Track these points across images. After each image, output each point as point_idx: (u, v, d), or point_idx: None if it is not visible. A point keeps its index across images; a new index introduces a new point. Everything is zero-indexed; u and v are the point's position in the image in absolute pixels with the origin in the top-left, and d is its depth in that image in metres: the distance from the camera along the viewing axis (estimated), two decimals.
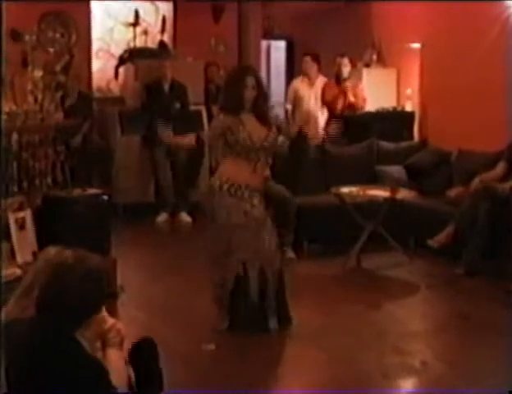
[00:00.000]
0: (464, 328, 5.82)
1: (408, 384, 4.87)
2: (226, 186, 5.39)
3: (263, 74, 13.06)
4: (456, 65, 9.01)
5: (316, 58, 9.87)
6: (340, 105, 9.55)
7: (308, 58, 9.87)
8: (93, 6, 10.76)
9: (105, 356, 2.94)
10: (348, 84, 9.62)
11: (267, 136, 5.46)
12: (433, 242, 7.23)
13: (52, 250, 2.93)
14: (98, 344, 3.00)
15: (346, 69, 9.66)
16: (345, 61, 9.69)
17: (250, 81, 5.41)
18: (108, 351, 2.97)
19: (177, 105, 9.56)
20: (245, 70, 5.71)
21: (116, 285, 6.21)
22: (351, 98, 9.60)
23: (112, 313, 5.27)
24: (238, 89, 5.39)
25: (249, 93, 5.40)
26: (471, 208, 7.13)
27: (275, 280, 5.53)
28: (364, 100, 9.75)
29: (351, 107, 9.63)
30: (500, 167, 7.26)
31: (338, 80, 9.63)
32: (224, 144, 5.42)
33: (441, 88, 9.40)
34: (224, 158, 5.49)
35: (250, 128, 5.41)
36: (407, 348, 5.29)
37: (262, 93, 5.54)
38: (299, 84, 10.00)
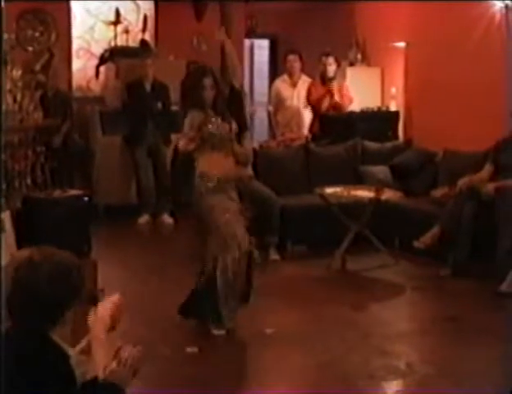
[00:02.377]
0: (449, 330, 5.84)
1: (393, 386, 4.88)
2: (207, 183, 5.61)
3: (246, 73, 13.07)
4: (441, 64, 9.05)
5: (299, 57, 9.88)
6: (325, 105, 9.55)
7: (291, 57, 9.87)
8: (73, 4, 10.71)
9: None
10: (334, 83, 9.62)
11: (231, 129, 5.76)
12: (419, 243, 7.25)
13: (21, 252, 2.91)
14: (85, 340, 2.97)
15: (332, 68, 9.64)
16: (331, 60, 9.68)
17: (208, 82, 5.69)
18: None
19: (159, 105, 9.56)
20: (202, 71, 5.88)
21: (96, 288, 6.19)
22: (337, 98, 9.61)
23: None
24: (197, 91, 5.69)
25: (208, 94, 5.69)
26: (456, 208, 7.16)
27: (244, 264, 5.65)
28: (351, 100, 9.76)
29: (337, 107, 9.64)
30: (486, 170, 7.28)
31: (323, 79, 9.62)
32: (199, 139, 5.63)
33: (426, 87, 9.43)
34: (200, 154, 5.67)
35: (217, 122, 5.67)
36: (392, 350, 5.31)
37: (221, 92, 5.91)
38: (280, 84, 9.99)
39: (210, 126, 5.62)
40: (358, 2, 10.70)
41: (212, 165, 5.64)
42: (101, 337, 2.92)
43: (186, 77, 6.39)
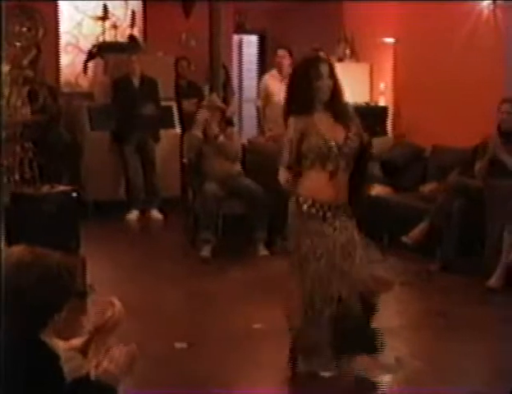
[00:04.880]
0: (439, 325, 5.85)
1: (382, 381, 4.88)
2: (305, 207, 4.56)
3: (235, 69, 13.06)
4: (430, 60, 9.06)
5: (289, 52, 9.86)
6: None
7: (281, 51, 9.85)
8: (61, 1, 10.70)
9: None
10: None
11: (347, 139, 4.53)
12: (407, 239, 7.27)
13: (11, 249, 2.89)
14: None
15: None
16: None
17: (324, 69, 4.53)
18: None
19: (147, 100, 9.54)
20: (319, 58, 4.84)
21: (85, 283, 6.18)
22: None
23: (82, 312, 5.27)
24: (308, 83, 4.50)
25: (324, 84, 4.51)
26: (445, 204, 7.18)
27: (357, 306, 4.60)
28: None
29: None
30: (479, 167, 7.28)
31: None
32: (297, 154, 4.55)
33: (415, 83, 9.44)
34: (302, 171, 4.59)
35: (325, 130, 4.52)
36: None
37: (338, 85, 4.62)
38: (269, 79, 9.97)
39: (308, 140, 4.50)
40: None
41: (312, 186, 4.57)
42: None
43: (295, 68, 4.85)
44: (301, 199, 4.54)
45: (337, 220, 4.51)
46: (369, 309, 4.67)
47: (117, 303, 3.14)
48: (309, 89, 4.48)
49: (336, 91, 4.56)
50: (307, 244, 4.53)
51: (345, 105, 4.70)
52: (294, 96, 4.56)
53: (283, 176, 4.65)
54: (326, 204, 4.49)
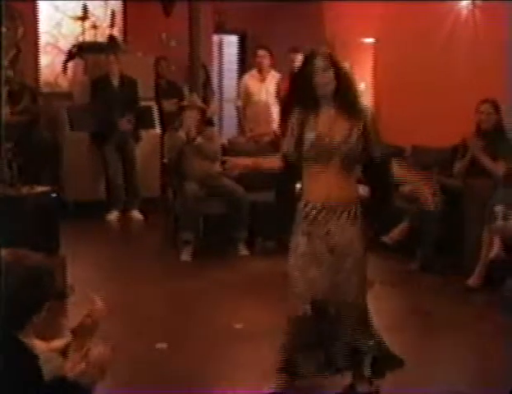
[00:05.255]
0: (418, 323, 5.88)
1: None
2: (301, 206, 4.38)
3: (215, 69, 13.05)
4: (410, 60, 9.09)
5: (269, 52, 9.88)
6: None
7: (261, 52, 9.87)
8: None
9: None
10: None
11: (349, 136, 4.26)
12: (388, 238, 7.29)
13: None
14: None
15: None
16: (299, 56, 9.70)
17: (319, 64, 4.25)
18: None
19: (127, 100, 9.52)
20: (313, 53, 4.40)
21: (65, 284, 6.16)
22: None
23: (62, 313, 5.25)
24: (305, 81, 4.31)
25: (319, 79, 4.25)
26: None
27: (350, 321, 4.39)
28: None
29: None
30: (458, 167, 7.31)
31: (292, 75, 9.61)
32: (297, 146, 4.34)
33: (395, 83, 9.47)
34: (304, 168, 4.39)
35: (325, 125, 4.28)
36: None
37: (344, 77, 4.32)
38: (249, 79, 9.99)
39: (305, 135, 4.31)
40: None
41: (309, 185, 4.40)
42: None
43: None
44: (302, 197, 4.39)
45: (331, 222, 4.27)
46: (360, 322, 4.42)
47: (98, 301, 3.14)
48: (307, 87, 4.28)
49: (340, 83, 4.25)
50: (302, 244, 4.31)
51: (354, 99, 4.32)
52: (296, 95, 4.40)
53: (276, 162, 4.47)
54: (319, 205, 4.28)
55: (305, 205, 4.32)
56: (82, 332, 3.04)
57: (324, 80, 4.24)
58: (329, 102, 4.28)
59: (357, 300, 4.37)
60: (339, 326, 4.35)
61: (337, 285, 4.30)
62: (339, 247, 4.27)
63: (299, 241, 4.33)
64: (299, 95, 4.38)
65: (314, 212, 4.29)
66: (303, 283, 4.29)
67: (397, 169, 4.38)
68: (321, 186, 4.28)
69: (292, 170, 4.43)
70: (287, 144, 4.37)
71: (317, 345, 4.38)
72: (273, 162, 4.50)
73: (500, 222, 6.21)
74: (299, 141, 4.29)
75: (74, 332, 3.05)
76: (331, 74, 4.23)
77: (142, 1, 11.02)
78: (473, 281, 6.58)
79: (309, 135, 4.26)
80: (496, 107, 7.23)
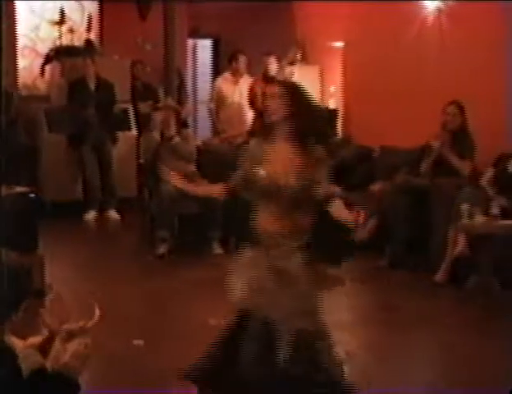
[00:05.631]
0: (387, 319, 5.91)
1: None
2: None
3: (190, 72, 13.03)
4: (378, 63, 9.13)
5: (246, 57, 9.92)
6: None
7: (242, 57, 9.85)
8: (18, 3, 10.55)
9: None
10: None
11: (300, 176, 3.68)
12: (357, 236, 7.31)
13: None
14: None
15: (273, 67, 9.69)
16: (272, 59, 9.73)
17: (270, 90, 3.81)
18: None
19: (104, 103, 9.48)
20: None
21: (43, 282, 6.12)
22: None
23: (40, 310, 5.21)
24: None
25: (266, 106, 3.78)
26: (393, 202, 7.25)
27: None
28: None
29: None
30: (424, 167, 7.35)
31: (265, 78, 9.63)
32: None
33: (364, 85, 9.50)
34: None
35: (276, 161, 3.72)
36: (333, 338, 5.32)
37: (299, 106, 3.73)
38: (222, 82, 9.99)
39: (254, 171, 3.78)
40: (298, 2, 10.74)
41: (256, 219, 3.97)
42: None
43: None
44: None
45: (278, 249, 3.78)
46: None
47: (97, 311, 3.12)
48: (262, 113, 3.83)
49: (295, 114, 3.70)
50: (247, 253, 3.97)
51: (309, 133, 3.75)
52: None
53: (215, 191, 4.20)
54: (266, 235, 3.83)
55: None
56: (69, 336, 3.02)
57: (269, 107, 3.74)
58: (282, 133, 3.73)
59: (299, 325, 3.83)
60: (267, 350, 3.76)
61: (274, 305, 3.78)
62: (283, 272, 3.76)
63: (246, 250, 3.95)
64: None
65: (262, 238, 3.85)
66: (238, 291, 3.89)
67: (335, 208, 3.80)
68: (269, 221, 3.81)
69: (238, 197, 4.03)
70: (235, 179, 3.92)
71: (230, 362, 3.84)
72: (212, 190, 4.26)
73: (465, 221, 6.25)
74: (248, 175, 3.80)
75: (58, 332, 3.02)
76: (277, 102, 3.71)
77: (118, 5, 10.98)
78: (439, 277, 6.63)
79: (257, 171, 3.73)
80: (462, 109, 7.29)
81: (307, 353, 3.80)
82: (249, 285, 3.82)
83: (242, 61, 9.85)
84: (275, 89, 3.77)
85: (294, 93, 3.76)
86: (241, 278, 3.87)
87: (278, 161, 3.70)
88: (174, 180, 4.19)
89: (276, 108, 3.70)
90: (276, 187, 3.67)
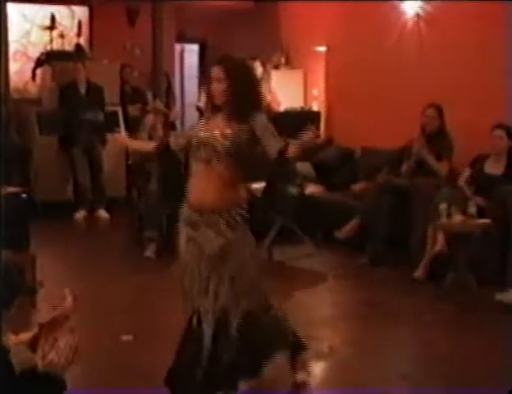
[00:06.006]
0: (369, 314, 5.93)
1: (316, 368, 4.92)
2: (184, 208, 4.11)
3: (177, 76, 13.03)
4: (359, 67, 9.16)
5: None
6: None
7: None
8: (10, 8, 10.51)
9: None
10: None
11: (231, 136, 3.93)
12: (340, 234, 7.35)
13: None
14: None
15: (258, 71, 9.71)
16: (257, 63, 9.75)
17: (215, 72, 4.00)
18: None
19: (93, 106, 9.48)
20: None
21: (35, 280, 6.10)
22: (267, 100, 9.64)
23: (32, 307, 5.19)
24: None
25: (212, 88, 4.02)
26: (374, 201, 7.28)
27: (232, 338, 4.03)
28: (279, 104, 9.86)
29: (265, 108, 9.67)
30: (405, 168, 7.38)
31: None
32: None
33: (345, 89, 9.53)
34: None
35: (212, 126, 4.02)
36: (315, 334, 5.34)
37: (236, 86, 3.97)
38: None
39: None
40: (282, 7, 10.76)
41: (190, 187, 4.08)
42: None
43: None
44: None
45: (208, 227, 3.97)
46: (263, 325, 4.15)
47: (69, 296, 3.12)
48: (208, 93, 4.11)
49: (229, 95, 3.96)
50: (183, 251, 4.16)
51: (244, 107, 3.98)
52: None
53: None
54: (196, 209, 3.99)
55: (186, 208, 4.04)
56: (52, 326, 3.02)
57: (215, 90, 3.99)
58: (224, 110, 4.00)
59: (244, 307, 4.02)
60: (222, 343, 4.00)
61: (217, 294, 3.99)
62: (216, 256, 3.97)
63: (181, 249, 4.12)
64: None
65: (194, 216, 4.00)
66: (188, 294, 4.13)
67: (291, 148, 4.26)
68: (200, 188, 3.95)
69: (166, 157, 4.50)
70: (174, 139, 4.33)
71: (196, 361, 4.01)
72: (145, 145, 4.94)
73: (443, 220, 6.28)
74: (188, 136, 4.16)
75: (46, 324, 3.03)
76: (221, 85, 3.95)
77: (107, 11, 10.98)
78: (418, 274, 6.65)
79: (196, 131, 4.07)
80: (440, 111, 7.33)
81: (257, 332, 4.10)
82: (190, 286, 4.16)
83: None
84: (219, 73, 3.99)
85: (235, 75, 3.99)
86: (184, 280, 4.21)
87: (215, 126, 3.98)
88: (118, 140, 4.90)
89: (220, 92, 3.98)
90: (209, 141, 3.92)
